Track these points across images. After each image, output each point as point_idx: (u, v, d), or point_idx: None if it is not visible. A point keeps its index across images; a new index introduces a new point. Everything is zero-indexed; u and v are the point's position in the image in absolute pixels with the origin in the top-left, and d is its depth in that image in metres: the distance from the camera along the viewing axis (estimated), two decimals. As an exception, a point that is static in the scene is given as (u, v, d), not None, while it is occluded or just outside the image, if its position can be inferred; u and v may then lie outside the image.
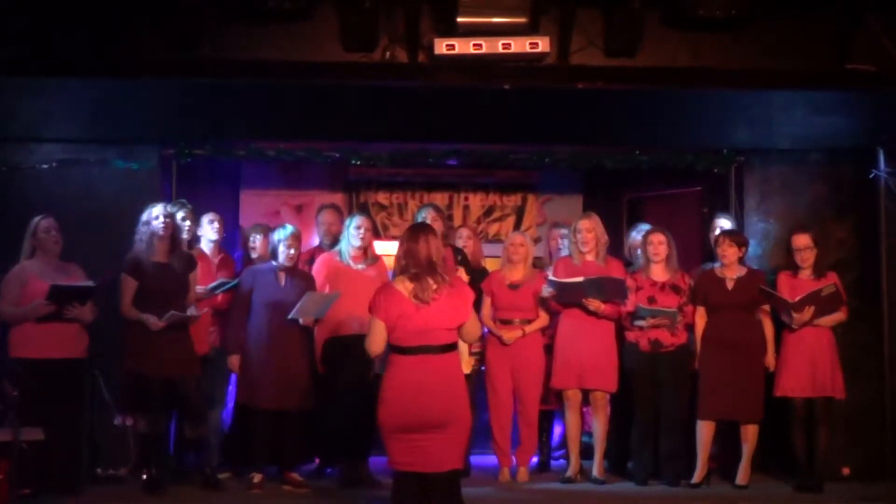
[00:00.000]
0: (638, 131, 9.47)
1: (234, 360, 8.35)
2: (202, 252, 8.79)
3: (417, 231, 6.17)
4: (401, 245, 6.21)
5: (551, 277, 8.56)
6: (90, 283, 7.92)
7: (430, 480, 6.06)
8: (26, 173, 9.08)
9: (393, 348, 6.07)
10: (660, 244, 8.60)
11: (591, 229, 8.65)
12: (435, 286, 6.00)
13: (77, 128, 9.15)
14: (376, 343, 6.08)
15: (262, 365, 8.19)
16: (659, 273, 8.61)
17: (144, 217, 8.06)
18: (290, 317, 8.14)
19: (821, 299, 8.35)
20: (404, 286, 6.04)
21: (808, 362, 8.39)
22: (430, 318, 6.00)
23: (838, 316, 8.51)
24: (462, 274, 8.46)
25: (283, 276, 8.32)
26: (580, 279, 8.38)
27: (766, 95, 8.92)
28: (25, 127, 9.03)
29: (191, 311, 8.07)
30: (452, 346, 6.09)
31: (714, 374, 8.37)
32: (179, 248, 8.19)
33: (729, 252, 8.48)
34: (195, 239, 8.83)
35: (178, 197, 9.18)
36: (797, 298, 8.33)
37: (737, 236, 8.66)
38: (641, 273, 8.67)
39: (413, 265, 6.04)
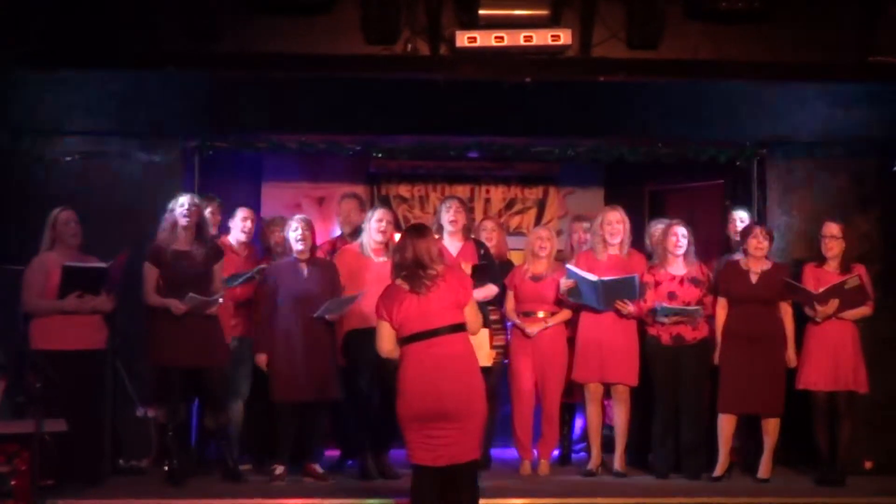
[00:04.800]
0: (660, 124, 9.46)
1: (261, 359, 8.28)
2: (229, 244, 8.81)
3: (403, 236, 6.40)
4: (392, 252, 6.55)
5: (570, 266, 8.54)
6: (102, 265, 7.94)
7: (448, 472, 6.11)
8: (49, 165, 9.10)
9: (403, 340, 6.19)
10: (682, 237, 8.56)
11: (620, 221, 8.62)
12: (428, 281, 6.17)
13: (99, 120, 9.17)
14: (384, 343, 6.28)
15: (291, 358, 8.16)
16: (678, 267, 8.58)
17: (170, 205, 8.09)
18: (315, 315, 8.15)
19: (845, 292, 8.30)
20: (402, 284, 6.23)
21: (830, 356, 8.34)
22: (431, 302, 6.15)
23: (863, 310, 8.45)
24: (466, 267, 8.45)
25: (305, 268, 8.30)
26: (595, 278, 8.36)
27: (789, 88, 8.90)
28: (48, 119, 9.07)
29: (213, 297, 8.09)
30: (459, 327, 6.21)
31: (735, 368, 8.33)
32: (204, 238, 8.19)
33: (764, 244, 8.42)
34: (221, 231, 8.87)
35: (201, 189, 9.22)
36: (821, 290, 8.30)
37: (768, 228, 8.62)
38: (660, 267, 8.64)
39: (401, 271, 6.25)
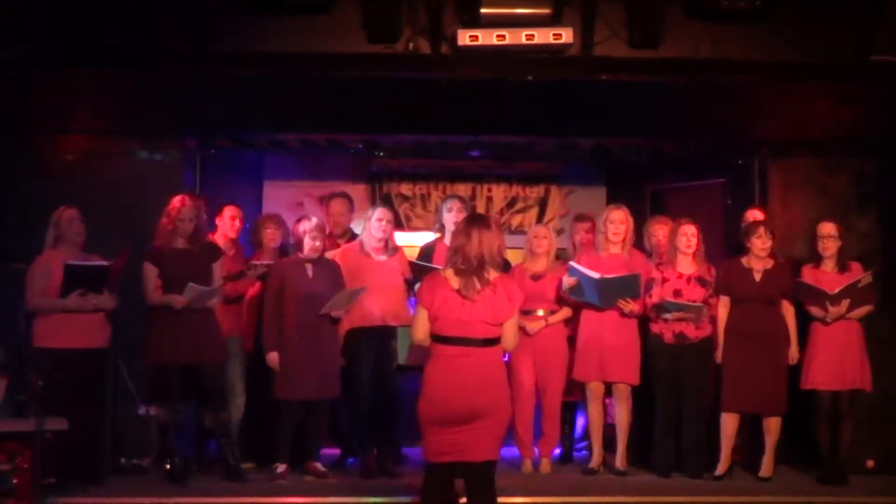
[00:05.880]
0: (661, 123, 9.45)
1: (272, 357, 8.24)
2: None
3: (471, 225, 6.11)
4: (455, 237, 6.21)
5: (572, 264, 8.54)
6: (104, 263, 7.95)
7: (463, 470, 6.06)
8: (50, 164, 9.11)
9: (434, 338, 6.06)
10: (692, 236, 8.53)
11: (623, 221, 8.61)
12: (479, 286, 5.97)
13: (101, 120, 9.18)
14: (418, 330, 6.09)
15: (295, 356, 8.18)
16: (687, 265, 8.56)
17: (168, 206, 8.10)
18: (322, 312, 8.16)
19: (857, 291, 8.30)
20: (452, 278, 6.04)
21: (838, 355, 8.33)
22: (472, 311, 5.98)
23: (868, 308, 8.46)
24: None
25: (310, 268, 8.31)
26: (597, 276, 8.36)
27: (790, 87, 8.90)
28: (50, 119, 9.07)
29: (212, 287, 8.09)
30: (493, 342, 6.06)
31: (737, 367, 8.32)
32: (202, 237, 8.22)
33: (768, 243, 8.42)
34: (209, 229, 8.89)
35: (202, 188, 9.23)
36: (837, 290, 8.27)
37: (771, 227, 8.60)
38: (668, 264, 8.62)
39: (461, 261, 6.03)
